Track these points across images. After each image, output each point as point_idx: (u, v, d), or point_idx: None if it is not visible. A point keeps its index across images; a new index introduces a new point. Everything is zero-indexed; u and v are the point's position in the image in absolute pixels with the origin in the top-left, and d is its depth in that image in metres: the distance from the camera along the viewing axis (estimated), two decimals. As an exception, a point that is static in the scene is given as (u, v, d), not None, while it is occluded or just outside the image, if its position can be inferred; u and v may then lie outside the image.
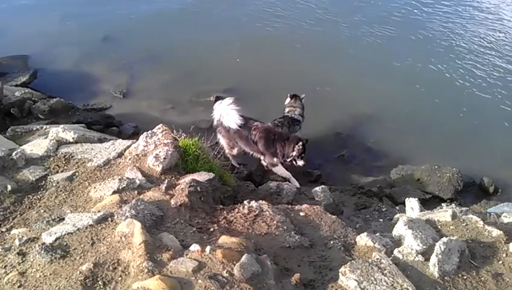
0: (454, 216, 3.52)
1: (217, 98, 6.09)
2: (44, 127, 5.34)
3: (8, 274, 2.59)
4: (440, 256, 2.82)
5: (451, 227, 3.40)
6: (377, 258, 2.82)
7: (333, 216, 3.74)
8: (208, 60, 8.58)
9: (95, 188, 3.62)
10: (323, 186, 5.09)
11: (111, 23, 9.82)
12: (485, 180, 6.13)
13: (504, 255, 3.04)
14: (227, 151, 6.06)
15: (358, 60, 8.78)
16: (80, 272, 2.51)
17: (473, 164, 6.47)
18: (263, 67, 8.34)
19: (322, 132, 6.50)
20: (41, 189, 3.69)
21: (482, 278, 2.80)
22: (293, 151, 5.47)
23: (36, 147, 4.30)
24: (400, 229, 3.24)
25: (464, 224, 3.43)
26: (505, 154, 6.66)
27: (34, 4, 10.83)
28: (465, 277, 2.78)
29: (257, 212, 3.48)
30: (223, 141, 6.02)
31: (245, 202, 3.64)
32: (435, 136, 7.03)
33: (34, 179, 3.78)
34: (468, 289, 2.69)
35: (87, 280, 2.47)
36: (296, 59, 8.67)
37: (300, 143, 5.44)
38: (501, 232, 3.24)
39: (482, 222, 3.40)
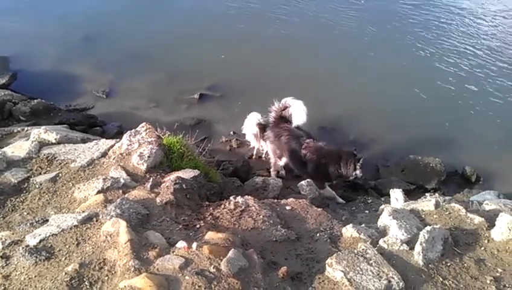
0: (437, 205, 3.58)
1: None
2: (26, 128, 5.26)
3: (-9, 278, 2.56)
4: (424, 244, 2.86)
5: (434, 216, 3.46)
6: (363, 249, 2.85)
7: (319, 209, 3.77)
8: (192, 57, 8.51)
9: (79, 188, 3.59)
10: (308, 180, 5.12)
11: (91, 22, 9.66)
12: (467, 169, 6.23)
13: (486, 241, 3.10)
14: (272, 160, 5.83)
15: (342, 55, 8.82)
16: (66, 273, 2.49)
17: (455, 154, 6.57)
18: (249, 64, 8.31)
19: (306, 127, 6.50)
20: (24, 191, 3.65)
21: (465, 264, 2.85)
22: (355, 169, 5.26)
23: (18, 149, 4.24)
24: (384, 219, 3.28)
25: (447, 213, 3.49)
26: (487, 144, 6.78)
27: (11, 3, 10.63)
28: (448, 264, 2.84)
29: (243, 207, 3.49)
30: (269, 148, 5.80)
31: (231, 197, 3.65)
32: (417, 127, 7.12)
33: (16, 181, 3.73)
34: (451, 276, 2.74)
35: (73, 281, 2.45)
36: (281, 55, 8.65)
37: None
38: (483, 219, 3.30)
39: (464, 210, 3.47)
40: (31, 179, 3.79)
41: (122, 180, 3.63)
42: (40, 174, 3.88)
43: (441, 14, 10.61)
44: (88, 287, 2.43)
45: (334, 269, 2.67)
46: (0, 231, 3.10)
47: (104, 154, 4.18)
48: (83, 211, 3.13)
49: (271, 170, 5.88)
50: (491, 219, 3.31)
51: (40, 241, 2.82)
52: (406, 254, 2.88)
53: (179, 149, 4.41)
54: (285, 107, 5.61)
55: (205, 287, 2.34)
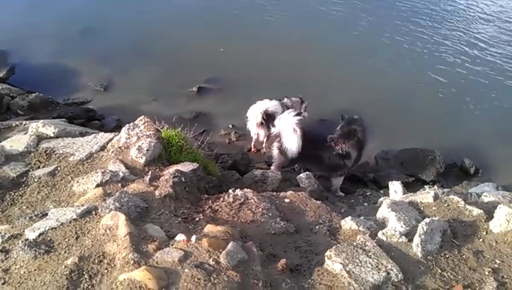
0: (436, 197, 3.58)
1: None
2: (24, 122, 5.23)
3: (-9, 272, 2.56)
4: (423, 236, 2.87)
5: (433, 208, 3.46)
6: (362, 241, 2.86)
7: (318, 202, 3.77)
8: (190, 50, 8.50)
9: (77, 182, 3.58)
10: (308, 172, 5.12)
11: (89, 15, 9.63)
12: (466, 161, 6.24)
13: (484, 233, 3.11)
14: (274, 166, 5.61)
15: (340, 49, 8.81)
16: (65, 267, 2.49)
17: (454, 146, 6.59)
18: (247, 57, 8.29)
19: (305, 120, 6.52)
20: (23, 185, 3.64)
21: (464, 256, 2.86)
22: None
23: (16, 142, 4.23)
24: (383, 211, 3.29)
25: (446, 205, 3.49)
26: (485, 136, 6.80)
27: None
28: (447, 256, 2.85)
29: (242, 200, 3.49)
30: (279, 157, 5.54)
31: (230, 190, 3.65)
32: (416, 119, 7.12)
33: (14, 175, 3.72)
34: (450, 267, 2.75)
35: (72, 274, 2.45)
36: (280, 49, 8.63)
37: None
38: (481, 211, 3.31)
39: (463, 202, 3.47)
40: (30, 172, 3.79)
41: (121, 174, 3.62)
42: (38, 168, 3.87)
43: (441, 3, 10.59)
44: (87, 280, 2.43)
45: (333, 262, 2.68)
46: (0, 225, 3.10)
47: (103, 148, 4.17)
48: (82, 205, 3.13)
49: (272, 167, 5.78)
50: (489, 210, 3.31)
51: (40, 235, 2.81)
52: (405, 246, 2.89)
53: (177, 142, 4.40)
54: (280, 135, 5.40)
55: (204, 280, 2.34)
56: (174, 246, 2.64)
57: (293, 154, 5.23)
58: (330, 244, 2.97)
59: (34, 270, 2.55)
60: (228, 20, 9.68)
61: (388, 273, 2.59)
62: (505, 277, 2.70)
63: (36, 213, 3.19)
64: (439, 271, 2.70)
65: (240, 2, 10.41)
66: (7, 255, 2.70)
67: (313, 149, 5.35)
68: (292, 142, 5.17)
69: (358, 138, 5.31)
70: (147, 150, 3.98)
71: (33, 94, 6.95)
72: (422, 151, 6.30)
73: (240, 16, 9.82)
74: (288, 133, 5.19)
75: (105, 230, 2.78)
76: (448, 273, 2.69)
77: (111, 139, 4.28)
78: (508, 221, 3.07)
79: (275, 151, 5.55)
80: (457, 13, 10.26)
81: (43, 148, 4.15)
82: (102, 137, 4.38)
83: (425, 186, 5.68)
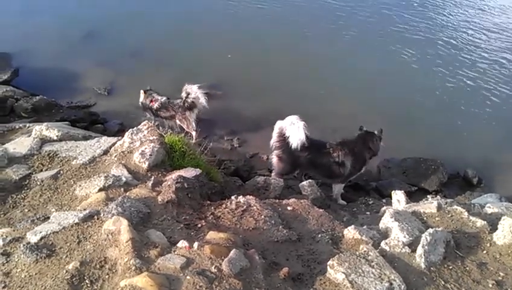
0: (439, 208, 3.57)
1: None
2: (28, 125, 5.25)
3: (-8, 275, 2.55)
4: (426, 247, 2.85)
5: (436, 218, 3.45)
6: (365, 251, 2.84)
7: (320, 210, 3.76)
8: (196, 56, 8.49)
9: (80, 186, 3.58)
10: (310, 180, 5.10)
11: (93, 19, 9.66)
12: (469, 172, 6.22)
13: (488, 244, 3.09)
14: (275, 173, 5.52)
15: (344, 58, 8.83)
16: (67, 271, 2.48)
17: (457, 156, 6.56)
18: (254, 65, 8.28)
19: (309, 127, 6.51)
20: (25, 188, 3.64)
21: (467, 268, 2.84)
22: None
23: (19, 145, 4.23)
24: (386, 221, 3.27)
25: (449, 215, 3.48)
26: (488, 146, 6.78)
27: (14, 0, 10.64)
28: (450, 267, 2.83)
29: (245, 207, 3.48)
30: (278, 164, 5.49)
31: (232, 197, 3.64)
32: (419, 129, 7.11)
33: (17, 178, 3.72)
34: (453, 279, 2.73)
35: (73, 279, 2.44)
36: (286, 60, 8.65)
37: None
38: (485, 222, 3.30)
39: (466, 213, 3.46)
40: (33, 175, 3.78)
41: (123, 179, 3.61)
42: (41, 171, 3.87)
43: (442, 10, 10.61)
44: (89, 285, 2.42)
45: (335, 271, 2.66)
46: (1, 228, 3.09)
47: (106, 152, 4.17)
48: (84, 209, 3.12)
49: (272, 175, 5.75)
50: (493, 222, 3.31)
51: (41, 238, 2.81)
52: (408, 256, 2.87)
53: (180, 148, 4.40)
54: (283, 131, 5.32)
55: (206, 287, 2.33)
56: (176, 252, 2.63)
57: (302, 141, 5.14)
58: (333, 253, 2.95)
59: (35, 274, 2.54)
60: (238, 28, 9.69)
61: (391, 283, 2.57)
62: (509, 289, 2.68)
63: (38, 216, 3.18)
64: (443, 283, 2.68)
65: (250, 9, 10.43)
66: (8, 258, 2.69)
67: (312, 155, 5.35)
68: (297, 133, 5.12)
69: (356, 148, 5.36)
70: (150, 155, 3.98)
71: (37, 97, 6.97)
72: (425, 161, 6.28)
73: (250, 24, 9.83)
74: (290, 127, 5.17)
75: (107, 235, 2.77)
76: (452, 285, 2.67)
77: (114, 144, 4.28)
78: (512, 233, 3.05)
79: (274, 159, 5.53)
80: (459, 21, 10.27)
81: (46, 151, 4.15)
82: (106, 141, 4.38)
83: (428, 196, 5.66)
